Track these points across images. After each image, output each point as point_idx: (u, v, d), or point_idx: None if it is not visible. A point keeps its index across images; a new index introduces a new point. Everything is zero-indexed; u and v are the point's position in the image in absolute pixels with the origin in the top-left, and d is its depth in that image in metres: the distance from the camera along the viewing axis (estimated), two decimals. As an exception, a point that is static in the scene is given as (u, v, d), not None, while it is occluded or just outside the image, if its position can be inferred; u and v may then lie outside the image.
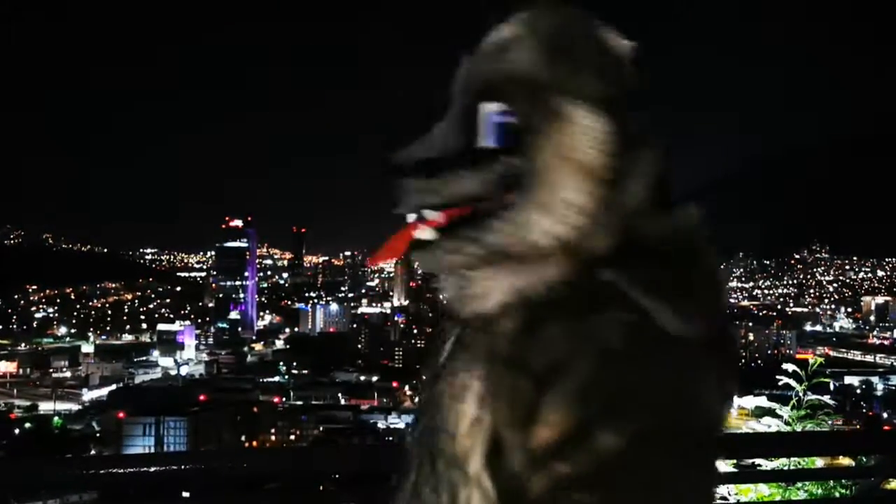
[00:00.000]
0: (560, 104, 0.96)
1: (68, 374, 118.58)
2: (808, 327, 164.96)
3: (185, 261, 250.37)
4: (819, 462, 3.54)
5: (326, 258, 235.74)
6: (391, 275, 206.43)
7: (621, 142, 0.96)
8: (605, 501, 0.81)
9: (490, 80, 0.99)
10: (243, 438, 76.35)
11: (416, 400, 1.15)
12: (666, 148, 1.01)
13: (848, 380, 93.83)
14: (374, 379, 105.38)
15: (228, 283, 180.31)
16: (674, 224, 0.99)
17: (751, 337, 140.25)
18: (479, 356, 0.96)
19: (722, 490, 4.18)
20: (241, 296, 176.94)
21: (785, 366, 5.14)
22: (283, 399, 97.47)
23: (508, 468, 0.89)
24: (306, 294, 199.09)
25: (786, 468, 4.03)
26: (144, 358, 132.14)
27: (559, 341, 0.88)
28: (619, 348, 0.86)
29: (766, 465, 4.14)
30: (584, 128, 0.96)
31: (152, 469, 2.42)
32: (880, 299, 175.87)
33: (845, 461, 4.24)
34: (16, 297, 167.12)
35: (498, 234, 0.97)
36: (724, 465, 3.96)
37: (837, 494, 4.01)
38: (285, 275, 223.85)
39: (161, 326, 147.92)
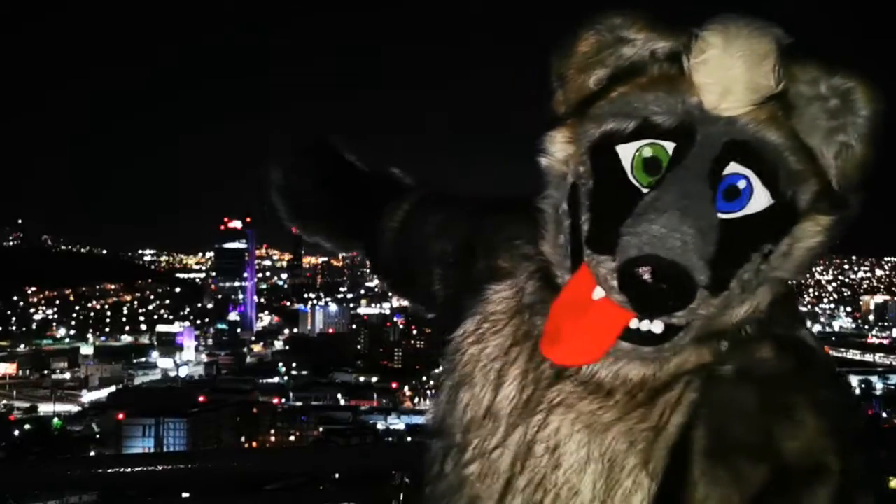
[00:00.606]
0: (846, 197, 0.93)
1: (68, 375, 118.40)
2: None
3: (184, 262, 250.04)
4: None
5: (325, 259, 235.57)
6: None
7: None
8: None
9: (767, 155, 0.90)
10: (243, 439, 76.33)
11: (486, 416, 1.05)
12: None
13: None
14: (374, 380, 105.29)
15: (227, 284, 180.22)
16: None
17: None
18: (650, 423, 0.92)
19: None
20: (241, 297, 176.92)
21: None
22: (283, 400, 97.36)
23: None
24: (305, 295, 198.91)
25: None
26: (144, 359, 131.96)
27: (820, 436, 0.86)
28: (848, 412, 0.88)
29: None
30: (847, 217, 0.95)
31: (152, 469, 2.43)
32: (879, 298, 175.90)
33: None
34: (15, 298, 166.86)
35: (717, 317, 0.93)
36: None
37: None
38: (284, 276, 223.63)
39: (160, 328, 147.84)
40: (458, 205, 1.35)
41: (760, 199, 0.89)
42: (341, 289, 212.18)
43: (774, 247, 0.92)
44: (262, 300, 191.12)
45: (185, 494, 2.74)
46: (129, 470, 2.41)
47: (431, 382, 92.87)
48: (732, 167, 0.89)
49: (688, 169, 0.90)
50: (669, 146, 0.91)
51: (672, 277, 0.85)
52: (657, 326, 0.91)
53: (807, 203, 0.91)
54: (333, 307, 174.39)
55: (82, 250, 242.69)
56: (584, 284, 0.92)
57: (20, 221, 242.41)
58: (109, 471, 2.43)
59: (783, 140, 0.88)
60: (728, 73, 0.88)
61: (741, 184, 0.89)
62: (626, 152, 0.93)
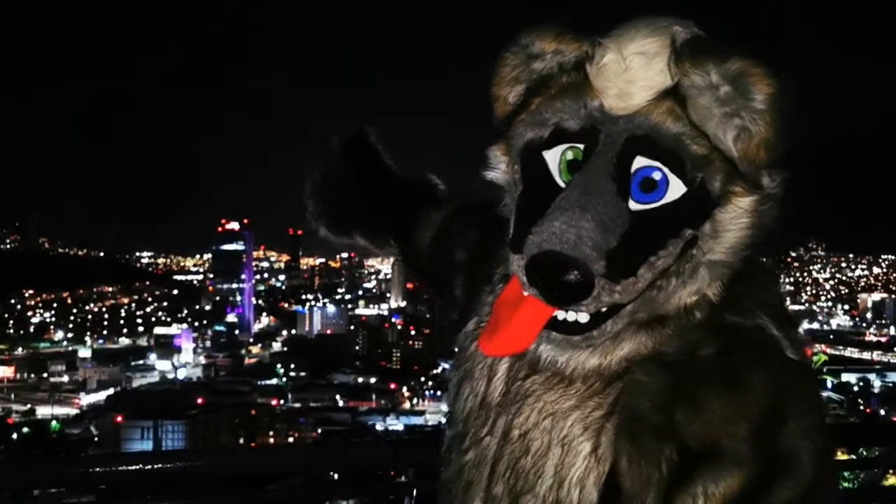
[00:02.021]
0: (763, 177, 0.98)
1: (66, 378, 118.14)
2: (805, 325, 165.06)
3: (182, 264, 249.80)
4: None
5: (323, 260, 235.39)
6: (388, 277, 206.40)
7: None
8: None
9: (667, 146, 0.95)
10: (241, 441, 76.23)
11: (469, 409, 1.13)
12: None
13: (845, 377, 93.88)
14: (372, 381, 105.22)
15: (225, 285, 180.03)
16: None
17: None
18: (603, 410, 0.97)
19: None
20: (238, 298, 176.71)
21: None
22: (281, 401, 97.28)
23: None
24: (303, 296, 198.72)
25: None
26: (142, 361, 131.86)
27: (721, 419, 0.89)
28: (794, 403, 0.90)
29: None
30: (772, 198, 1.00)
31: (150, 468, 2.43)
32: (877, 296, 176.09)
33: (842, 455, 4.24)
34: (12, 301, 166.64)
35: (655, 303, 0.98)
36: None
37: (840, 487, 4.01)
38: (282, 277, 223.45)
39: (158, 330, 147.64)
40: (482, 213, 1.37)
41: (676, 188, 0.94)
42: (339, 290, 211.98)
43: (697, 231, 0.96)
44: (260, 302, 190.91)
45: (184, 494, 2.73)
46: (127, 469, 2.42)
47: (430, 383, 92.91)
48: (641, 161, 0.95)
49: (593, 167, 0.96)
50: (581, 148, 0.98)
51: (566, 269, 0.90)
52: (582, 316, 0.96)
53: (719, 187, 0.95)
54: (331, 308, 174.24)
55: (80, 252, 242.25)
56: (518, 282, 0.97)
57: (17, 224, 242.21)
58: (108, 470, 2.43)
59: (681, 130, 0.93)
60: (623, 75, 0.94)
61: (656, 175, 0.95)
62: (552, 157, 1.00)
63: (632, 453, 0.91)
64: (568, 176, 0.99)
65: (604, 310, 0.96)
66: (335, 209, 1.63)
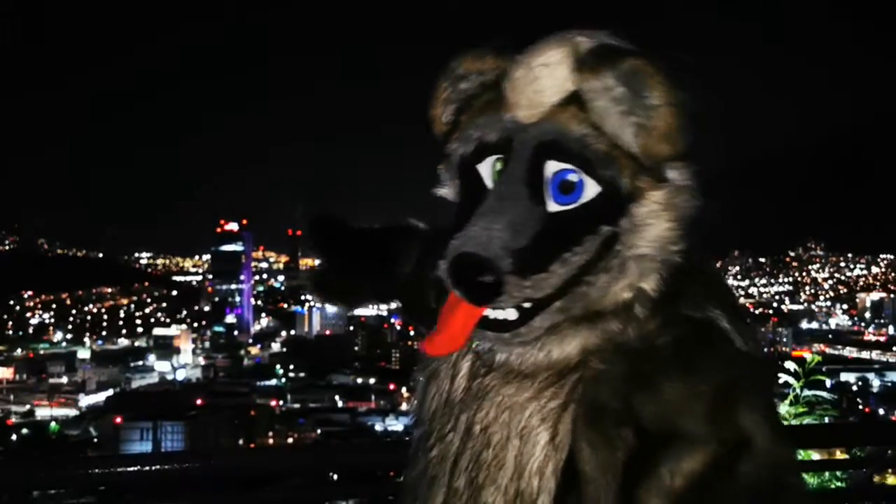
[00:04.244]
0: (667, 170, 1.02)
1: (65, 379, 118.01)
2: (804, 324, 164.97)
3: (181, 265, 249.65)
4: (814, 455, 3.56)
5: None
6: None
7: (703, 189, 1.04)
8: None
9: (572, 148, 1.01)
10: (241, 442, 76.15)
11: (435, 408, 1.17)
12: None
13: (844, 376, 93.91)
14: (372, 381, 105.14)
15: (224, 286, 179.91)
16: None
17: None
18: (559, 400, 1.01)
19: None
20: (237, 299, 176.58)
21: (786, 364, 5.16)
22: (281, 402, 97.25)
23: None
24: (302, 297, 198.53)
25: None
26: (141, 362, 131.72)
27: (677, 402, 0.93)
28: (746, 387, 0.92)
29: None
30: (684, 189, 1.03)
31: (150, 469, 2.42)
32: (876, 296, 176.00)
33: (841, 454, 4.27)
34: (11, 302, 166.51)
35: (586, 299, 1.03)
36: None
37: (833, 486, 4.04)
38: (281, 278, 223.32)
39: (157, 331, 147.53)
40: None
41: (591, 187, 1.00)
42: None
43: (616, 227, 1.01)
44: (259, 302, 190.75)
45: (183, 495, 2.75)
46: (126, 470, 2.42)
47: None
48: (554, 165, 1.01)
49: (508, 175, 1.03)
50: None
51: (476, 269, 0.97)
52: (511, 313, 1.01)
53: (628, 183, 1.00)
54: (331, 309, 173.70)
55: (79, 254, 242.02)
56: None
57: (16, 225, 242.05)
58: (107, 471, 2.44)
59: (584, 132, 0.99)
60: (530, 86, 1.01)
61: (573, 177, 1.00)
62: (485, 169, 1.09)
63: (591, 439, 0.95)
64: None
65: (527, 305, 1.00)
66: (338, 288, 1.66)
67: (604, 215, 1.01)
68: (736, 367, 0.97)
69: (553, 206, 1.01)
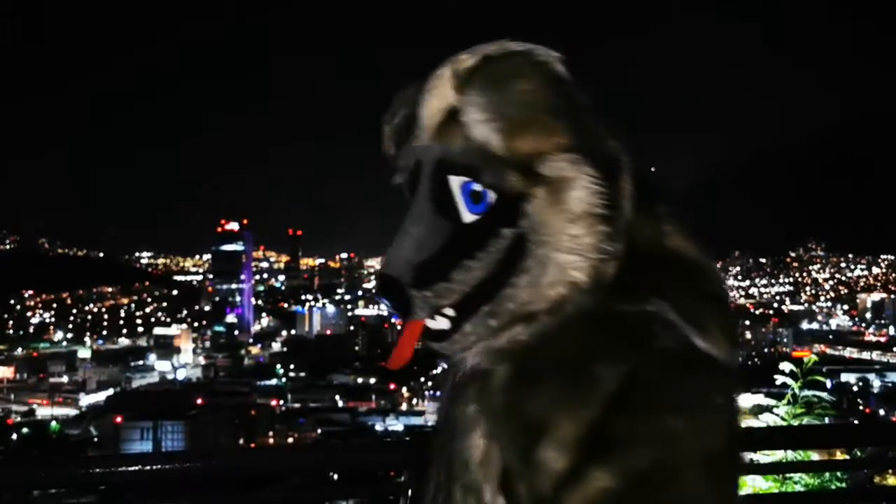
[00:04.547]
0: (544, 165, 1.03)
1: (65, 378, 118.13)
2: (804, 325, 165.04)
3: (182, 264, 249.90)
4: (815, 456, 3.56)
5: (322, 260, 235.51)
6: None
7: (604, 177, 1.03)
8: None
9: (460, 161, 1.06)
10: (241, 442, 76.26)
11: (437, 409, 1.25)
12: (633, 160, 1.08)
13: (844, 377, 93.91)
14: (372, 381, 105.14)
15: (224, 286, 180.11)
16: (662, 231, 1.09)
17: (747, 335, 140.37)
18: (477, 400, 1.07)
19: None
20: (238, 299, 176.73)
21: (782, 365, 5.17)
22: (281, 402, 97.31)
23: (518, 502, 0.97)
24: (303, 297, 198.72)
25: (783, 462, 4.06)
26: (141, 362, 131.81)
27: (550, 390, 0.96)
28: (614, 391, 0.91)
29: (762, 459, 4.17)
30: (572, 180, 1.02)
31: (150, 469, 2.42)
32: (876, 296, 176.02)
33: (841, 455, 4.27)
34: (11, 301, 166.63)
35: (515, 301, 1.05)
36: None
37: (833, 487, 4.04)
38: (281, 277, 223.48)
39: (157, 330, 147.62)
40: None
41: (491, 194, 1.05)
42: (339, 290, 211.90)
43: (518, 229, 1.04)
44: (260, 302, 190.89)
45: (184, 495, 2.75)
46: (127, 470, 2.42)
47: (429, 383, 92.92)
48: (456, 179, 1.07)
49: (418, 195, 1.10)
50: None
51: (386, 286, 1.06)
52: (442, 323, 1.08)
53: (513, 185, 1.03)
54: (331, 309, 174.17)
55: (79, 253, 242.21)
56: None
57: (17, 224, 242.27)
58: (107, 471, 2.44)
59: (464, 144, 1.04)
60: (423, 110, 1.09)
61: (477, 187, 1.05)
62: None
63: (492, 432, 1.02)
64: None
65: (451, 314, 1.07)
66: None
67: (504, 219, 1.04)
68: (643, 373, 0.94)
69: (468, 217, 1.06)
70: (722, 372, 0.96)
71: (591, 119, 1.06)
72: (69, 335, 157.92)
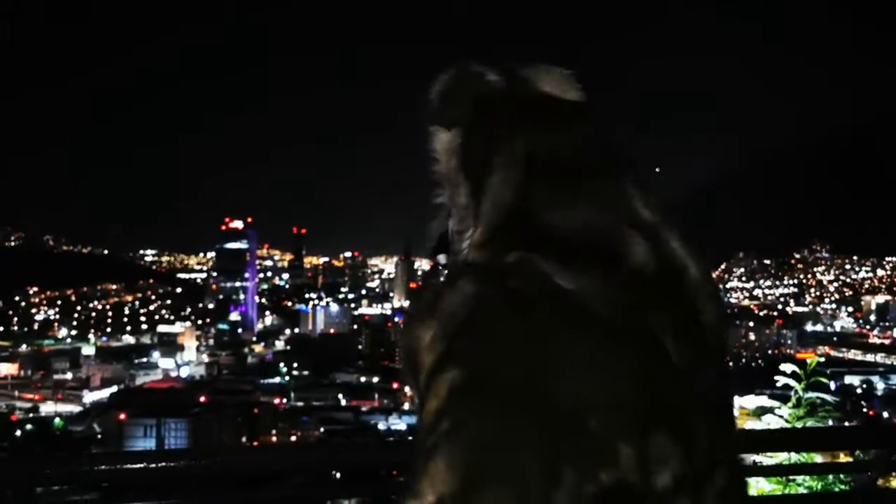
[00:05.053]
0: (431, 138, 1.17)
1: (69, 375, 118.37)
2: (808, 327, 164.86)
3: (185, 262, 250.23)
4: (818, 458, 3.56)
5: (326, 259, 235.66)
6: (391, 276, 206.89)
7: (480, 144, 1.12)
8: (439, 436, 0.91)
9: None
10: (244, 440, 76.34)
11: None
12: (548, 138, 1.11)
13: (848, 379, 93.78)
14: (375, 380, 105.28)
15: (228, 284, 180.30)
16: (584, 216, 1.05)
17: (751, 336, 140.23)
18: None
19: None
20: (242, 297, 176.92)
21: (783, 366, 5.16)
22: (284, 400, 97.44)
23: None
24: (306, 295, 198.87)
25: (786, 464, 4.05)
26: (145, 359, 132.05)
27: (414, 340, 1.00)
28: (463, 316, 0.96)
29: (765, 461, 4.16)
30: (443, 149, 1.16)
31: (153, 466, 2.43)
32: (881, 298, 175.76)
33: (845, 457, 4.27)
34: (16, 298, 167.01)
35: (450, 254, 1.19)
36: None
37: (837, 489, 4.04)
38: (285, 276, 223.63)
39: (161, 328, 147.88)
40: None
41: None
42: (342, 289, 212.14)
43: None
44: (264, 300, 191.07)
45: (187, 492, 2.76)
46: (130, 467, 2.42)
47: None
48: None
49: None
50: None
51: None
52: None
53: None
54: (334, 307, 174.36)
55: (83, 250, 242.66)
56: None
57: (21, 221, 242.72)
58: (111, 468, 2.45)
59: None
60: None
61: None
62: None
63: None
64: None
65: None
66: None
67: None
68: (477, 299, 0.97)
69: None
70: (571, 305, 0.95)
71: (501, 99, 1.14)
72: (73, 332, 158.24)
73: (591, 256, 1.02)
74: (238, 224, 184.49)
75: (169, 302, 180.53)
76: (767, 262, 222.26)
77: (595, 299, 0.97)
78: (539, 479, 0.86)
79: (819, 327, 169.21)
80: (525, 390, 0.90)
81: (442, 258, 1.21)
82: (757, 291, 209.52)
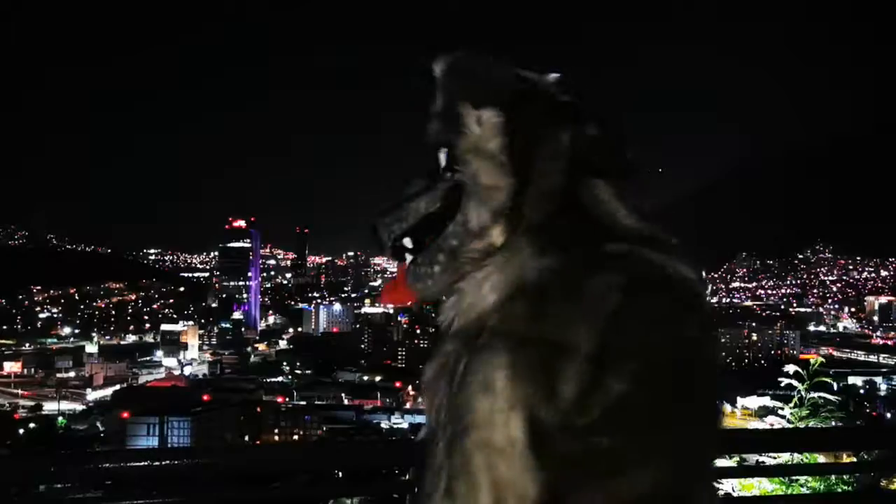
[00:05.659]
0: (463, 113, 1.17)
1: (72, 374, 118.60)
2: (811, 327, 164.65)
3: (189, 261, 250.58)
4: (821, 458, 3.55)
5: (329, 258, 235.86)
6: (394, 275, 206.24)
7: (528, 131, 1.14)
8: (620, 442, 0.95)
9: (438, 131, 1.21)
10: (247, 438, 76.36)
11: (429, 414, 1.23)
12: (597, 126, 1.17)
13: (851, 380, 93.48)
14: (378, 379, 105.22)
15: (232, 283, 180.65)
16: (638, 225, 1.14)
17: (754, 337, 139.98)
18: (497, 347, 1.08)
19: (726, 486, 4.21)
20: (245, 296, 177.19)
21: (786, 367, 5.16)
22: (287, 399, 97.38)
23: (545, 443, 1.01)
24: (309, 294, 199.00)
25: (788, 464, 4.04)
26: (148, 358, 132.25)
27: (565, 312, 1.02)
28: (614, 307, 0.99)
29: (768, 461, 4.16)
30: (485, 127, 1.16)
31: (156, 464, 2.43)
32: (884, 299, 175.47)
33: (848, 458, 4.26)
34: (20, 297, 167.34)
35: (452, 239, 1.18)
36: (728, 462, 3.99)
37: (839, 490, 4.03)
38: (288, 275, 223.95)
39: (164, 327, 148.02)
40: None
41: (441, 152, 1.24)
42: (345, 288, 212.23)
43: (456, 174, 1.20)
44: (266, 299, 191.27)
45: (189, 491, 2.76)
46: (133, 465, 2.42)
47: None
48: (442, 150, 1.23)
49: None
50: None
51: (370, 228, 1.25)
52: (407, 257, 1.24)
53: (451, 137, 1.19)
54: (337, 306, 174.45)
55: (87, 249, 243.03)
56: None
57: (26, 220, 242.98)
58: (113, 466, 2.45)
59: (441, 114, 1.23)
60: None
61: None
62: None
63: (511, 363, 1.04)
64: None
65: (409, 245, 1.25)
66: None
67: (449, 167, 1.19)
68: (623, 288, 1.02)
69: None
70: (684, 289, 1.04)
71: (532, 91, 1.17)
72: (77, 331, 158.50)
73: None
74: (241, 223, 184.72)
75: (172, 301, 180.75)
76: (770, 262, 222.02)
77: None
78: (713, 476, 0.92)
79: (822, 328, 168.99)
80: (699, 383, 1.00)
81: (408, 241, 1.22)
82: (760, 292, 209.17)
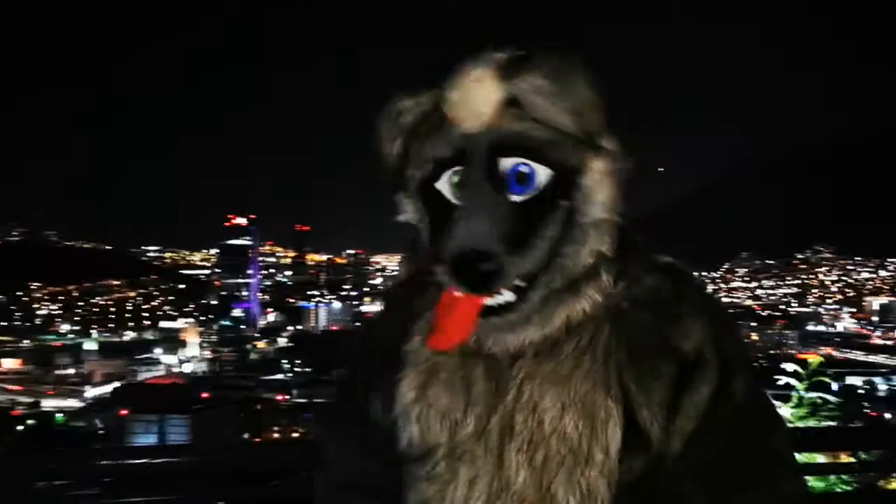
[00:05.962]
0: (604, 140, 1.16)
1: (71, 371, 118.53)
2: (810, 327, 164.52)
3: (189, 258, 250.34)
4: (820, 458, 3.55)
5: (329, 256, 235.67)
6: (394, 274, 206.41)
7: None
8: (767, 444, 1.08)
9: (519, 142, 1.14)
10: (246, 436, 76.27)
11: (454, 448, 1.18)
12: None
13: (850, 380, 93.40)
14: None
15: (231, 280, 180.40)
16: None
17: (753, 337, 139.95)
18: (597, 360, 1.13)
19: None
20: (244, 293, 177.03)
21: (785, 366, 5.15)
22: (287, 397, 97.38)
23: (645, 454, 1.09)
24: (309, 292, 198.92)
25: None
26: (147, 355, 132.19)
27: (693, 324, 1.11)
28: (721, 314, 1.11)
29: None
30: (611, 162, 1.17)
31: (154, 462, 2.43)
32: (884, 299, 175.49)
33: (846, 458, 4.26)
34: (19, 293, 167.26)
35: (565, 269, 1.16)
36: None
37: (838, 490, 4.03)
38: (288, 273, 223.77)
39: (164, 324, 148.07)
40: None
41: (542, 173, 1.13)
42: (345, 286, 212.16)
43: (572, 201, 1.15)
44: (266, 297, 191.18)
45: (188, 488, 2.76)
46: (132, 462, 2.42)
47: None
48: (506, 161, 1.14)
49: (471, 179, 1.15)
50: (461, 169, 1.17)
51: (478, 259, 1.09)
52: (508, 295, 1.13)
53: (574, 159, 1.14)
54: (337, 304, 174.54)
55: (86, 246, 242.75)
56: (450, 289, 1.13)
57: (25, 217, 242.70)
58: (112, 463, 2.45)
59: (524, 126, 1.13)
60: (468, 102, 1.15)
61: (524, 169, 1.13)
62: (443, 185, 1.19)
63: (638, 376, 1.08)
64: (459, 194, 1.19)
65: (521, 285, 1.13)
66: None
67: (559, 193, 1.13)
68: (714, 302, 1.16)
69: (514, 198, 1.13)
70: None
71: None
72: (76, 328, 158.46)
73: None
74: (241, 221, 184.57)
75: (172, 298, 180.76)
76: (770, 262, 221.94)
77: None
78: None
79: (821, 328, 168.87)
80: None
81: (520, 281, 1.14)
82: (759, 291, 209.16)
